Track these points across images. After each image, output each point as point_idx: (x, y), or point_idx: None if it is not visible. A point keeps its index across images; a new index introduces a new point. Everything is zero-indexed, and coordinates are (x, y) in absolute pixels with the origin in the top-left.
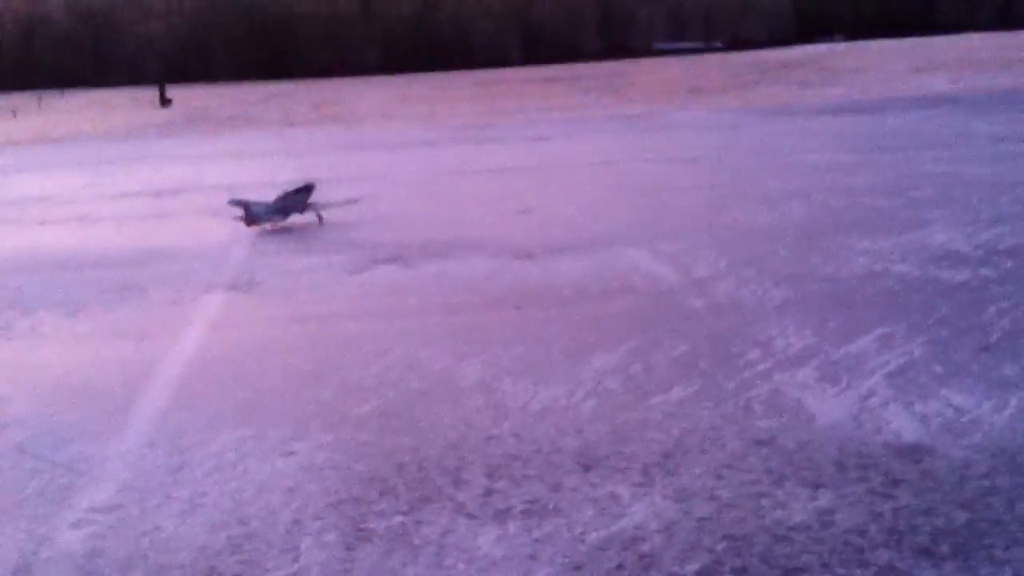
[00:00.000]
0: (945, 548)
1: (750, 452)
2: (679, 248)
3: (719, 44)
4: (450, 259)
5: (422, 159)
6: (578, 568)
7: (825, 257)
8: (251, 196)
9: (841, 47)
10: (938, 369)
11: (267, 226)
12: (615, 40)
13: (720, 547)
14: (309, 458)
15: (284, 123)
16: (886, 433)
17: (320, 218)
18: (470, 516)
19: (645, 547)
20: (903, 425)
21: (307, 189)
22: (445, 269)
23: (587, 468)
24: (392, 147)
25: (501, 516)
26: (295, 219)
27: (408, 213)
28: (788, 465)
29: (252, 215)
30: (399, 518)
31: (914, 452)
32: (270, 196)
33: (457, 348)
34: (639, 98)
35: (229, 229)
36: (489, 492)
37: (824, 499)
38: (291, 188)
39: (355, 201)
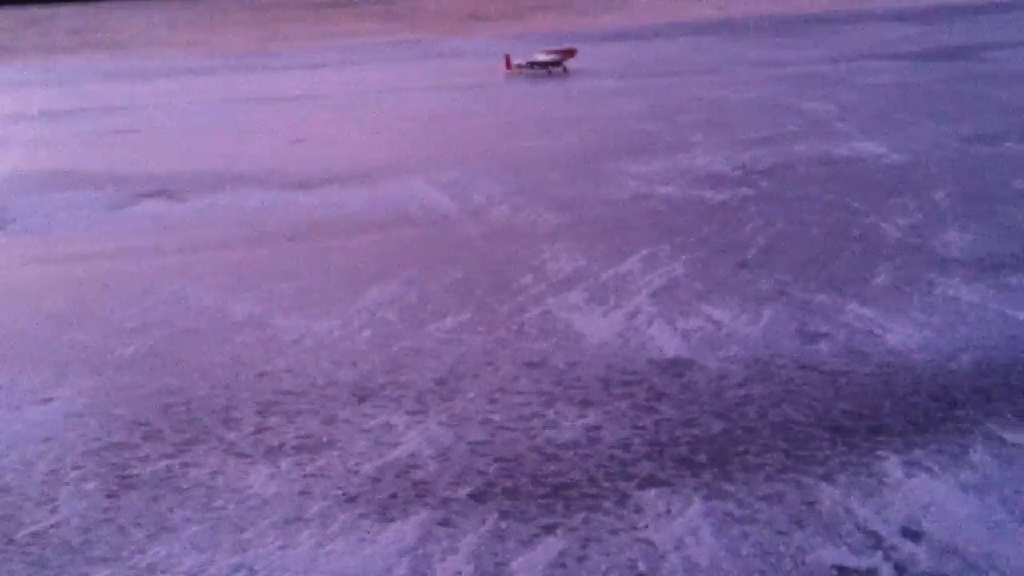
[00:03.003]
0: (703, 457)
1: (522, 375)
2: (456, 176)
3: None
4: (220, 192)
5: (192, 88)
6: (351, 500)
7: (597, 182)
8: None
9: None
10: (698, 286)
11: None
12: None
13: (492, 469)
14: (67, 405)
15: (42, 50)
16: (650, 349)
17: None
18: (240, 455)
19: (419, 474)
20: (666, 341)
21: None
22: (215, 203)
23: (362, 399)
24: (160, 76)
25: (273, 453)
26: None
27: (176, 145)
28: (558, 385)
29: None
30: (165, 462)
31: (675, 366)
32: None
33: (227, 284)
34: (419, 25)
35: None
36: (260, 430)
37: (591, 416)
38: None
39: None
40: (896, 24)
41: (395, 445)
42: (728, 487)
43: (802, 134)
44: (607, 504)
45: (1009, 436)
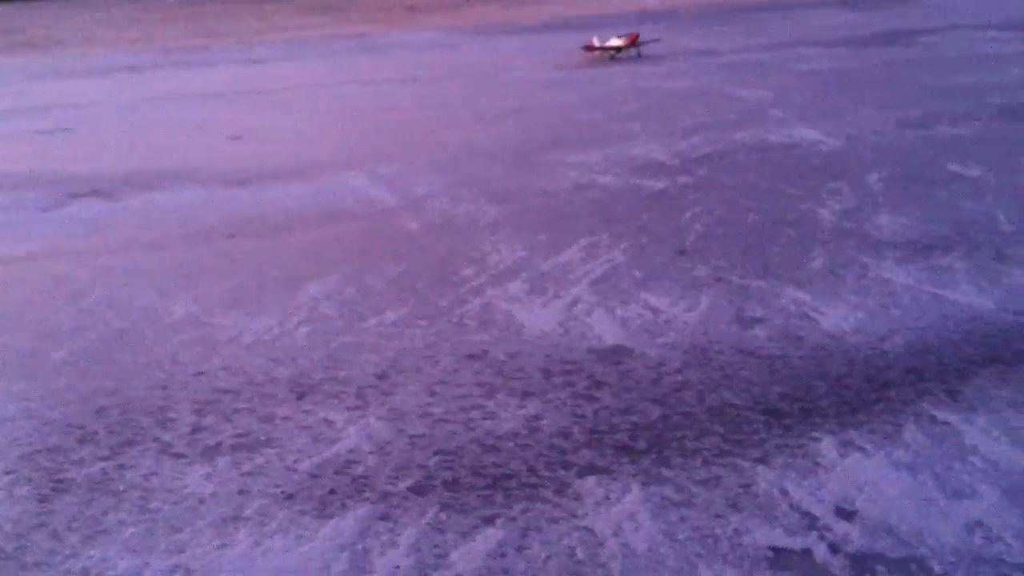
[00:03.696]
0: (642, 443)
1: (462, 367)
2: (396, 170)
3: None
4: (156, 190)
5: (127, 85)
6: (290, 497)
7: (537, 172)
8: None
9: None
10: (638, 274)
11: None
12: None
13: (432, 462)
14: None
15: None
16: (590, 338)
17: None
18: (177, 456)
19: (359, 469)
20: (605, 329)
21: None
22: (151, 201)
23: (301, 396)
24: (95, 73)
25: (210, 453)
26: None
27: (111, 143)
28: (499, 376)
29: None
30: (100, 464)
31: (615, 354)
32: None
33: (163, 284)
34: (357, 18)
35: None
36: (197, 429)
37: (532, 406)
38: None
39: (658, 40)
40: (830, 11)
41: (334, 441)
42: (666, 472)
43: (739, 121)
44: (546, 493)
45: (940, 414)
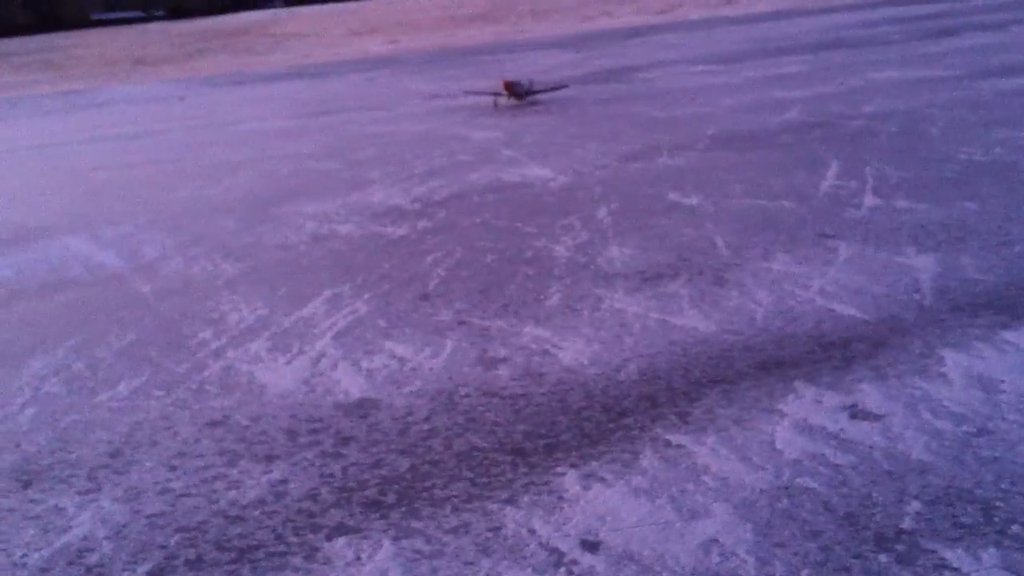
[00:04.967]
0: (392, 497)
1: (203, 436)
2: (123, 232)
3: (161, 13)
4: None
5: None
6: None
7: (274, 225)
8: None
9: (282, 13)
10: (382, 323)
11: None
12: (45, 11)
13: (173, 541)
14: None
15: None
16: (336, 393)
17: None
18: None
19: (93, 557)
20: (351, 383)
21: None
22: None
23: (27, 484)
24: None
25: None
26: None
27: None
28: (242, 442)
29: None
30: None
31: (361, 408)
32: None
33: None
34: (80, 73)
35: None
36: None
37: (277, 471)
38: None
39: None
40: (554, 51)
41: (65, 530)
42: (416, 524)
43: (473, 163)
44: (295, 560)
45: (673, 438)
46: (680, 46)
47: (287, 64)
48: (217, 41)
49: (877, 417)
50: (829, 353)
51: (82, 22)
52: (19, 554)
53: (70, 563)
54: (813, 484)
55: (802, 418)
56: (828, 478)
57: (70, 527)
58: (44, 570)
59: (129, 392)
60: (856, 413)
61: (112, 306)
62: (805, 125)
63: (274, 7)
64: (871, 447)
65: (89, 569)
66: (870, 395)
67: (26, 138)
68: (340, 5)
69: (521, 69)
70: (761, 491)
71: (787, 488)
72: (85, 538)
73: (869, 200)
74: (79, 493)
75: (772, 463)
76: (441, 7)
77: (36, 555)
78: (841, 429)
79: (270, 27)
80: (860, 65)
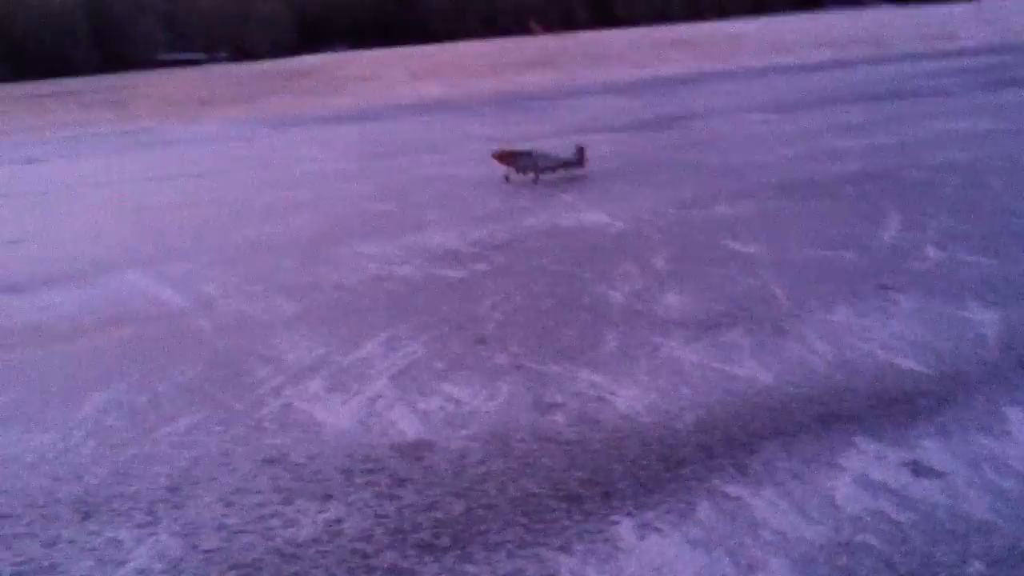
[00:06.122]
0: (446, 540)
1: (260, 472)
2: (185, 269)
3: (223, 55)
4: None
5: None
6: None
7: (333, 266)
8: None
9: (343, 56)
10: (438, 365)
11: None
12: (111, 51)
13: None
14: None
15: None
16: (392, 434)
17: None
18: None
19: None
20: (407, 424)
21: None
22: None
23: (86, 516)
24: None
25: None
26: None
27: None
28: (298, 480)
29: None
30: None
31: (417, 449)
32: None
33: None
34: (145, 112)
35: None
36: None
37: (332, 510)
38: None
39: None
40: (610, 97)
41: (122, 563)
42: (470, 568)
43: (531, 207)
44: None
45: (730, 489)
46: (736, 93)
47: (347, 106)
48: (279, 83)
49: (939, 474)
50: (890, 408)
51: (147, 62)
52: None
53: None
54: (873, 541)
55: (863, 473)
56: (889, 535)
57: (127, 560)
58: None
59: (188, 427)
60: (918, 470)
61: (172, 342)
62: (865, 175)
63: (335, 50)
64: (933, 505)
65: None
66: (932, 452)
67: (93, 175)
68: (399, 49)
69: (576, 115)
70: (820, 547)
71: (847, 544)
72: (142, 572)
73: (931, 253)
74: (137, 526)
75: (832, 518)
76: (497, 53)
77: None
78: (903, 486)
79: (331, 69)
80: (920, 116)
